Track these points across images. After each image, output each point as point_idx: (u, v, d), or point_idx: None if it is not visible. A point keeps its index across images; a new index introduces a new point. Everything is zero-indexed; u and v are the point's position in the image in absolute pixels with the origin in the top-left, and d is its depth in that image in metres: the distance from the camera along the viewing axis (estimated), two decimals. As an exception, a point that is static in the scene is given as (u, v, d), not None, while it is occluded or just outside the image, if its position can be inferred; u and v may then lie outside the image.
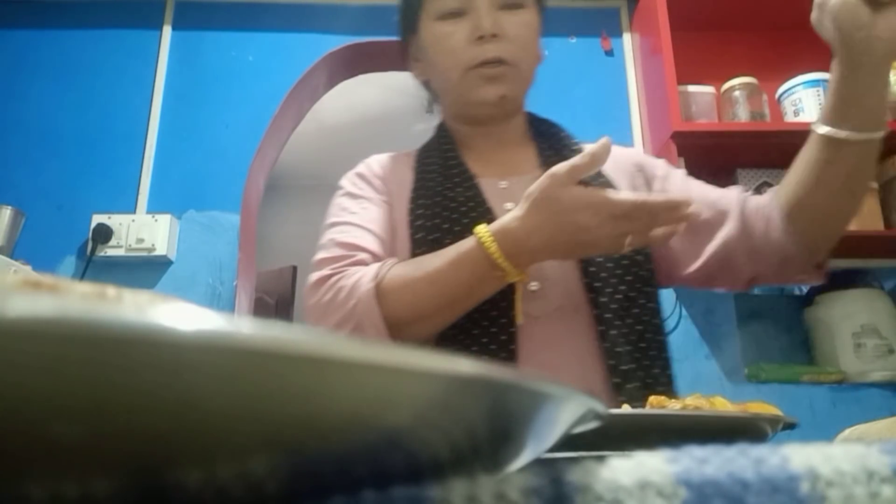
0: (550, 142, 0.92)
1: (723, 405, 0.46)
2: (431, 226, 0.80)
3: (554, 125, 0.97)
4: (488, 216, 0.79)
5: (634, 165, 0.92)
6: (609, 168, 0.89)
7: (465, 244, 0.71)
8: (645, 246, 0.72)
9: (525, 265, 0.70)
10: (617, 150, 0.97)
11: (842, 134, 0.70)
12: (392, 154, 0.95)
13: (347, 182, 0.90)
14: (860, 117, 0.70)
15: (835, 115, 0.71)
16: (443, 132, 0.93)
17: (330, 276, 0.76)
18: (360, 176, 0.90)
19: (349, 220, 0.84)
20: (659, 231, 0.67)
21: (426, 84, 0.96)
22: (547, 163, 0.87)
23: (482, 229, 0.70)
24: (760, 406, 0.46)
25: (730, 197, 0.86)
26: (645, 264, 0.82)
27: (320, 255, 0.81)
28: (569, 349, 0.77)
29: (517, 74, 0.85)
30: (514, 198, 0.83)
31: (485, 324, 0.75)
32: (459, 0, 0.83)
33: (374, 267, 0.75)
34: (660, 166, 0.92)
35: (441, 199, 0.82)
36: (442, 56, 0.85)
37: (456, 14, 0.84)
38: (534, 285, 0.78)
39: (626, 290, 0.78)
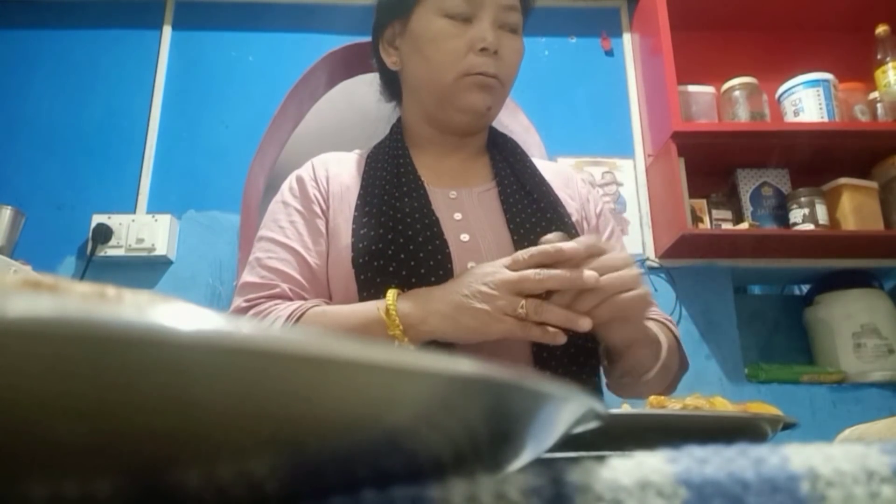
0: (504, 154, 0.92)
1: (723, 405, 0.46)
2: (375, 235, 0.78)
3: (511, 140, 0.96)
4: (435, 227, 0.79)
5: (584, 198, 0.94)
6: (559, 187, 0.91)
7: (373, 311, 0.71)
8: (536, 339, 0.69)
9: (421, 339, 0.69)
10: (571, 173, 0.98)
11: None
12: (343, 154, 0.93)
13: (286, 186, 0.89)
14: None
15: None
16: (397, 133, 0.91)
17: (247, 308, 0.79)
18: (300, 181, 0.88)
19: (276, 237, 0.83)
20: (545, 332, 0.67)
21: (390, 75, 0.93)
22: (499, 175, 0.88)
23: (391, 298, 0.70)
24: (760, 406, 0.45)
25: None
26: None
27: (245, 276, 0.82)
28: (501, 358, 0.76)
29: (503, 93, 0.86)
30: (462, 208, 0.84)
31: None
32: (468, 6, 0.83)
33: (289, 311, 0.76)
34: (604, 217, 0.94)
35: (387, 207, 0.80)
36: (438, 54, 0.83)
37: (461, 17, 0.83)
38: None
39: None
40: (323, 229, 0.84)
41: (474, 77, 0.82)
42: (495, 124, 0.97)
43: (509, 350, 0.75)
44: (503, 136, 0.96)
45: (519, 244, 0.79)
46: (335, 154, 0.93)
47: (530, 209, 0.83)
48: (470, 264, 0.77)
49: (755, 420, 0.43)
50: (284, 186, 0.89)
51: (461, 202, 0.84)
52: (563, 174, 0.96)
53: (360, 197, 0.84)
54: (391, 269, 0.76)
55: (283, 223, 0.84)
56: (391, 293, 0.71)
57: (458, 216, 0.82)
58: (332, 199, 0.86)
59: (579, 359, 0.77)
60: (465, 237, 0.80)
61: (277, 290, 0.79)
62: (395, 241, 0.77)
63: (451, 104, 0.85)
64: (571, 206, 0.89)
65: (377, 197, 0.82)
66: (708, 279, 1.90)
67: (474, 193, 0.86)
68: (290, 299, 0.79)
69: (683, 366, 0.85)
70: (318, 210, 0.85)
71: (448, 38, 0.83)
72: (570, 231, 0.83)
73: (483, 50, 0.82)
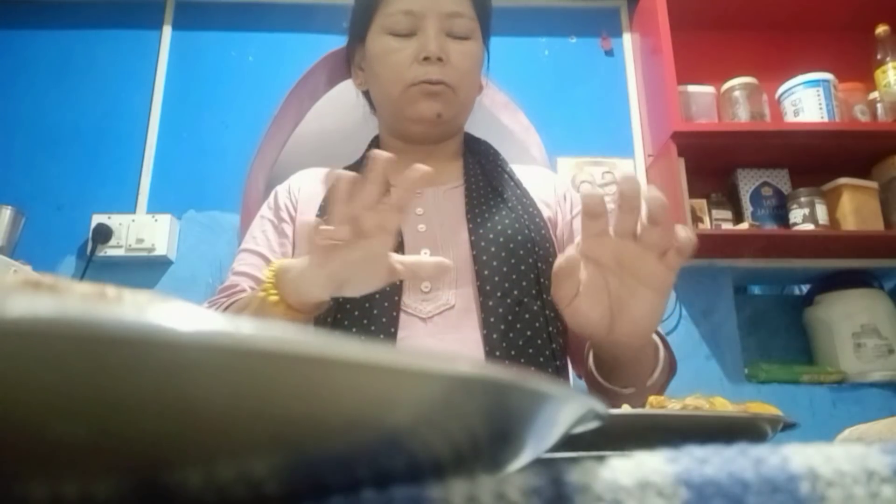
0: (478, 157, 0.94)
1: (723, 405, 0.46)
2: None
3: (485, 144, 0.98)
4: None
5: (562, 195, 0.94)
6: (535, 186, 0.92)
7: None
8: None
9: (297, 303, 0.65)
10: (548, 173, 1.00)
11: (606, 385, 0.73)
12: (322, 169, 0.95)
13: (265, 203, 0.94)
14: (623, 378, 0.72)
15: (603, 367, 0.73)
16: (373, 147, 0.95)
17: (208, 307, 0.84)
18: (275, 195, 0.93)
19: (250, 246, 0.89)
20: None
21: (366, 94, 0.97)
22: (469, 174, 0.90)
23: (269, 271, 0.68)
24: (760, 406, 0.45)
25: None
26: (546, 272, 0.81)
27: (224, 283, 0.87)
28: (450, 345, 0.76)
29: (455, 98, 0.87)
30: (425, 203, 0.86)
31: (374, 312, 0.76)
32: (410, 20, 0.86)
33: (231, 300, 0.80)
34: (578, 220, 0.93)
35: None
36: (386, 70, 0.87)
37: (405, 32, 0.86)
38: (426, 286, 0.79)
39: (518, 294, 0.78)
40: (289, 232, 0.88)
41: (419, 86, 0.85)
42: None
43: (458, 333, 0.76)
44: (479, 141, 0.99)
45: (474, 231, 0.81)
46: (314, 169, 0.98)
47: (493, 201, 0.86)
48: (423, 251, 0.80)
49: (755, 420, 0.43)
50: (264, 204, 0.94)
51: (425, 199, 0.87)
52: (540, 175, 0.98)
53: (324, 200, 0.87)
54: None
55: (255, 233, 0.90)
56: (271, 266, 0.69)
57: (419, 210, 0.86)
58: (301, 204, 0.90)
59: (536, 342, 0.77)
60: (421, 227, 0.83)
61: (238, 287, 0.84)
62: None
63: (403, 115, 0.88)
64: (543, 204, 0.90)
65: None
66: (708, 279, 1.89)
67: (441, 191, 0.89)
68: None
69: (673, 370, 0.83)
70: (285, 216, 0.90)
71: (393, 53, 0.86)
72: (534, 220, 0.85)
73: (426, 59, 0.84)
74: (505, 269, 0.79)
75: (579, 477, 0.17)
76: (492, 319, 0.76)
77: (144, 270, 1.87)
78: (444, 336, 0.76)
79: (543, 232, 0.86)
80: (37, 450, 0.13)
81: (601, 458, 0.18)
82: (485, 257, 0.79)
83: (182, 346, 0.11)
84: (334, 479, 0.16)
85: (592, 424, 0.22)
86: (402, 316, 0.77)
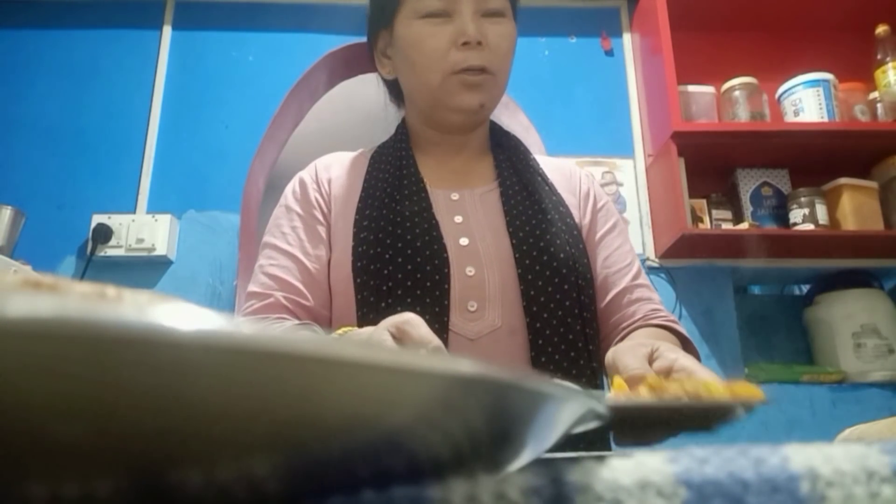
0: (508, 154, 0.91)
1: (717, 390, 0.46)
2: (374, 239, 0.78)
3: (514, 138, 0.95)
4: (434, 231, 0.79)
5: (584, 194, 0.92)
6: (561, 185, 0.90)
7: None
8: None
9: None
10: (573, 169, 0.96)
11: None
12: (346, 154, 0.93)
13: (289, 189, 0.89)
14: None
15: None
16: (401, 134, 0.91)
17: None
18: (302, 184, 0.88)
19: (278, 243, 0.84)
20: None
21: (391, 82, 0.93)
22: (501, 175, 0.87)
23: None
24: (742, 386, 0.45)
25: (626, 276, 0.86)
26: (586, 289, 0.81)
27: (250, 286, 0.83)
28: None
29: (495, 84, 0.84)
30: (463, 210, 0.83)
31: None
32: (443, 2, 0.81)
33: (266, 318, 0.78)
34: (604, 211, 0.92)
35: (387, 211, 0.80)
36: (422, 57, 0.82)
37: (439, 15, 0.82)
38: (472, 305, 0.77)
39: (563, 315, 0.77)
40: (324, 234, 0.84)
41: (460, 76, 0.81)
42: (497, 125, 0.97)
43: (505, 355, 0.75)
44: (507, 134, 0.95)
45: (518, 247, 0.79)
46: (338, 155, 0.93)
47: (531, 211, 0.83)
48: (468, 269, 0.78)
49: (724, 405, 0.42)
50: (288, 189, 0.89)
51: (463, 204, 0.84)
52: (565, 171, 0.95)
53: (362, 200, 0.83)
54: (387, 272, 0.76)
55: (285, 229, 0.84)
56: (341, 331, 0.69)
57: (458, 219, 0.82)
58: (335, 202, 0.86)
59: (579, 362, 0.77)
60: (464, 241, 0.80)
61: (271, 299, 0.80)
62: (394, 246, 0.77)
63: (444, 105, 0.84)
64: (572, 204, 0.89)
65: (378, 200, 0.82)
66: (708, 279, 1.89)
67: (476, 195, 0.86)
68: (284, 307, 0.80)
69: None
70: (319, 216, 0.85)
71: (428, 39, 0.82)
72: (572, 233, 0.83)
73: (465, 44, 0.80)
74: (550, 288, 0.78)
75: (579, 477, 0.17)
76: (539, 342, 0.76)
77: (144, 270, 1.87)
78: (492, 358, 0.75)
79: (581, 246, 0.84)
80: (37, 450, 0.12)
81: (601, 458, 0.18)
82: (530, 276, 0.78)
83: (182, 345, 0.11)
84: (334, 479, 0.16)
85: (592, 424, 0.22)
86: (451, 336, 0.75)
